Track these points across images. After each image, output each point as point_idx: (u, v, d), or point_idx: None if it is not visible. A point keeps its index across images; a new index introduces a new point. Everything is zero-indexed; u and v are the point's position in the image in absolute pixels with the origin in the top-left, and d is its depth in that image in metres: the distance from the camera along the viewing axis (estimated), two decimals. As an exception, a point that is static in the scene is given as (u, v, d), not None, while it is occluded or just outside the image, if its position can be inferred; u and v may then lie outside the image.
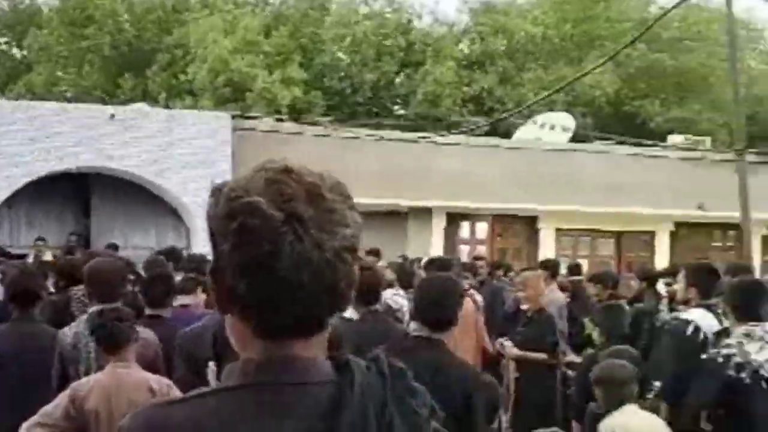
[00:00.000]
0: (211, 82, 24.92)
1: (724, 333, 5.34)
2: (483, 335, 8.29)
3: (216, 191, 1.49)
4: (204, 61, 25.25)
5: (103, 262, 5.58)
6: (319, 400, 1.40)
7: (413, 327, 4.63)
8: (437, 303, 4.20)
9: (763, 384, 4.74)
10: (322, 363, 1.46)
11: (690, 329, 5.59)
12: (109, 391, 4.21)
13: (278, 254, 1.36)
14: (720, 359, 4.86)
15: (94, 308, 4.98)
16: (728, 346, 4.90)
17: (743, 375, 4.73)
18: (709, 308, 5.72)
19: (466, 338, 7.36)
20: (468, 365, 4.63)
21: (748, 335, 4.84)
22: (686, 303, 6.14)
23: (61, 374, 5.03)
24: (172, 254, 7.85)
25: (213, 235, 1.47)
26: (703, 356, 5.14)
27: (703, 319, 5.61)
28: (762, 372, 4.74)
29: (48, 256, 10.75)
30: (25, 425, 4.15)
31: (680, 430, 5.08)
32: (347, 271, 1.43)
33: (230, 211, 1.41)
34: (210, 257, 1.56)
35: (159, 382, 4.35)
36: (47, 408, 4.20)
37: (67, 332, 4.99)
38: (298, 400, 1.41)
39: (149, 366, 4.70)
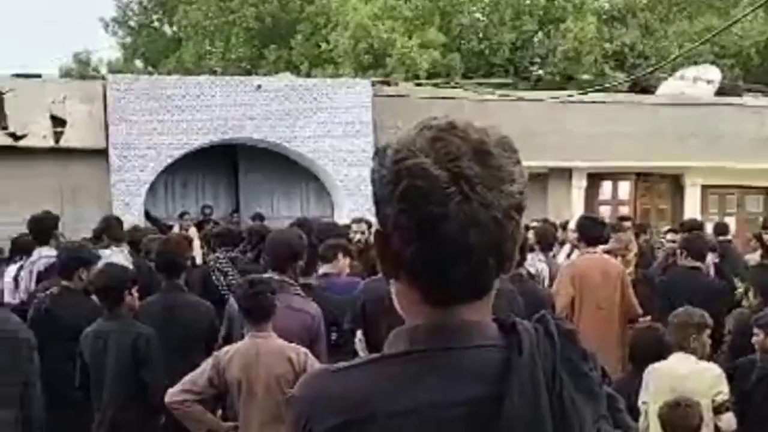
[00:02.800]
0: (352, 49, 25.22)
1: None
2: (629, 294, 8.05)
3: (380, 152, 1.44)
4: (345, 29, 25.55)
5: (281, 233, 5.80)
6: (488, 364, 1.38)
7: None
8: None
9: None
10: (489, 326, 1.44)
11: None
12: (249, 360, 4.39)
13: (445, 216, 1.33)
14: None
15: (243, 278, 5.25)
16: None
17: None
18: None
19: (615, 295, 7.38)
20: None
21: None
22: None
23: (225, 335, 5.31)
24: (303, 225, 8.14)
25: (378, 200, 1.44)
26: None
27: None
28: None
29: (192, 231, 11.22)
30: (171, 391, 4.45)
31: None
32: (514, 231, 1.40)
33: (395, 174, 1.37)
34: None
35: (297, 351, 4.48)
36: (193, 375, 4.47)
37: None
38: (467, 364, 1.39)
39: (309, 335, 4.91)
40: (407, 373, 1.39)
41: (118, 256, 7.75)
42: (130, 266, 6.63)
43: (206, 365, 4.51)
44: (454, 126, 1.40)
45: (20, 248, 8.29)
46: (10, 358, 4.63)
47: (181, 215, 15.37)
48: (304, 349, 4.55)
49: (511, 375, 1.35)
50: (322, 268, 6.54)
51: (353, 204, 16.39)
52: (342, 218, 15.70)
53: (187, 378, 4.48)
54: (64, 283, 6.15)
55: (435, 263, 1.38)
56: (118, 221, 8.86)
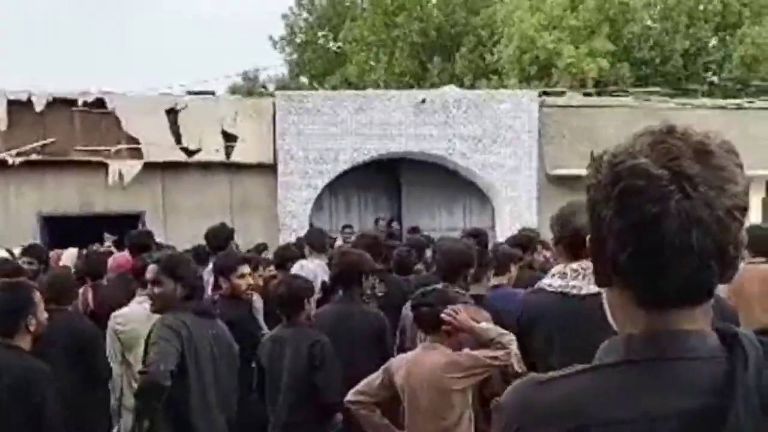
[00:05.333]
0: (518, 60, 25.02)
1: None
2: None
3: (596, 159, 1.42)
4: (510, 40, 25.41)
5: (452, 243, 5.84)
6: (710, 376, 1.33)
7: None
8: None
9: None
10: (710, 336, 1.38)
11: None
12: (411, 369, 4.49)
13: (665, 215, 1.30)
14: None
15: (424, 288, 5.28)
16: None
17: None
18: None
19: None
20: None
21: None
22: None
23: (399, 344, 5.53)
24: (477, 236, 8.00)
25: (593, 205, 1.40)
26: None
27: None
28: None
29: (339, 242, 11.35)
30: (351, 391, 4.63)
31: None
32: (737, 232, 1.34)
33: (614, 176, 1.35)
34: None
35: (449, 364, 4.43)
36: (369, 377, 4.62)
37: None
38: (688, 375, 1.34)
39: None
40: (622, 384, 1.36)
41: (315, 264, 8.01)
42: (326, 276, 6.87)
43: (382, 369, 4.64)
44: (673, 129, 1.37)
45: (198, 258, 8.54)
46: (227, 368, 4.95)
47: (344, 228, 15.53)
48: (460, 360, 4.49)
49: (736, 387, 1.29)
50: (494, 279, 6.42)
51: (516, 215, 16.12)
52: (504, 230, 15.53)
53: (364, 380, 4.65)
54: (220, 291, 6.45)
55: (653, 264, 1.33)
56: (321, 233, 9.08)
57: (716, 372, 1.32)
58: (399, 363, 4.60)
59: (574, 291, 3.92)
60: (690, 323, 1.37)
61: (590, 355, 4.12)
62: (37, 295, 4.73)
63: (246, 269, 6.51)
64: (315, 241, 8.57)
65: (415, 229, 14.75)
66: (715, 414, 1.28)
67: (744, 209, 1.34)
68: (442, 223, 17.51)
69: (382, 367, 4.64)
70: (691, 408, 1.30)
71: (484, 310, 5.34)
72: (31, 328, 4.58)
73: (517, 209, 16.49)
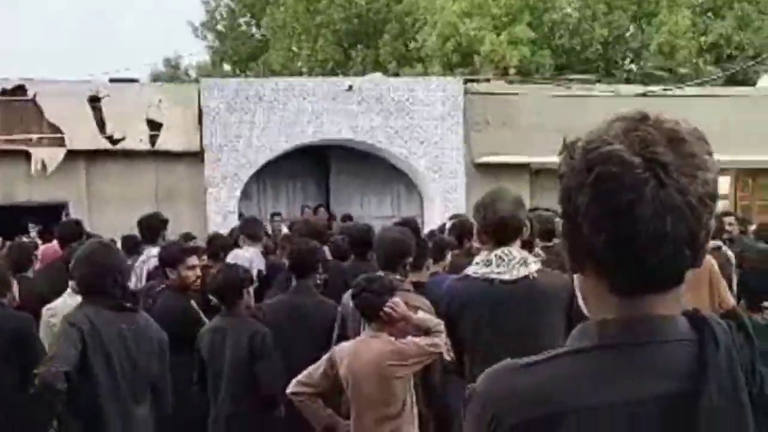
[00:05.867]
0: (440, 48, 25.16)
1: None
2: (721, 291, 7.79)
3: (569, 145, 1.42)
4: (433, 27, 25.53)
5: (389, 232, 5.77)
6: (681, 359, 1.35)
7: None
8: None
9: None
10: (680, 320, 1.40)
11: None
12: (354, 357, 4.48)
13: (639, 202, 1.31)
14: None
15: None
16: None
17: None
18: None
19: (700, 293, 7.16)
20: None
21: None
22: None
23: (339, 333, 5.42)
24: (408, 224, 8.06)
25: (567, 191, 1.40)
26: None
27: None
28: None
29: (284, 231, 11.31)
30: (293, 382, 4.60)
31: None
32: (708, 219, 1.36)
33: (588, 162, 1.35)
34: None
35: (393, 352, 4.44)
36: (310, 368, 4.59)
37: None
38: (660, 359, 1.36)
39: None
40: (599, 369, 1.36)
41: (250, 253, 7.99)
42: (262, 265, 6.81)
43: (324, 359, 4.61)
44: (646, 116, 1.38)
45: (129, 248, 8.43)
46: (148, 360, 4.72)
47: (272, 216, 15.45)
48: (405, 349, 4.49)
49: (708, 370, 1.31)
50: (432, 267, 6.49)
51: (444, 202, 16.27)
52: (433, 217, 15.64)
53: (305, 371, 4.61)
54: (167, 281, 6.32)
55: (628, 250, 1.34)
56: (256, 221, 9.07)
57: (688, 355, 1.34)
58: (341, 352, 4.57)
59: (501, 277, 3.99)
60: (663, 308, 1.39)
61: (519, 341, 4.21)
62: None
63: (194, 261, 6.45)
64: (250, 231, 8.54)
65: (348, 217, 14.78)
66: (688, 397, 1.31)
67: (714, 196, 1.36)
68: (371, 210, 17.49)
69: (324, 357, 4.62)
70: (667, 391, 1.32)
71: (424, 297, 5.41)
72: None
73: (445, 197, 16.57)
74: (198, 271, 6.39)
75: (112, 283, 4.56)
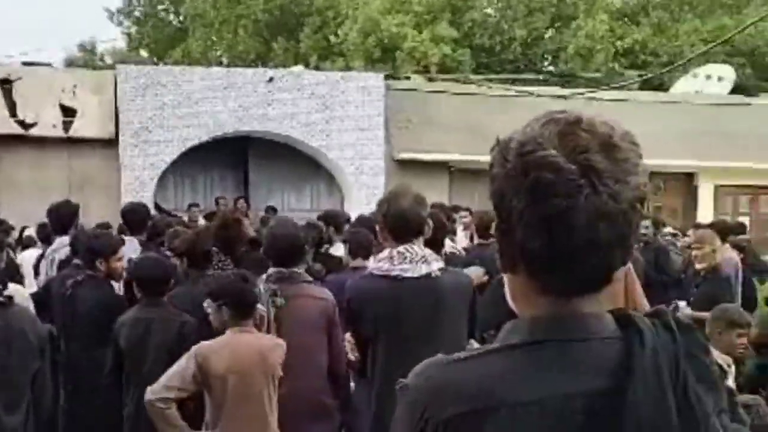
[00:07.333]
0: (362, 43, 25.14)
1: None
2: (634, 295, 7.91)
3: (501, 144, 1.41)
4: (354, 22, 25.49)
5: (281, 229, 5.35)
6: (608, 357, 1.36)
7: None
8: None
9: None
10: (608, 318, 1.41)
11: None
12: (225, 354, 4.29)
13: (574, 209, 1.31)
14: None
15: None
16: None
17: None
18: None
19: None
20: None
21: None
22: None
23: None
24: (333, 219, 8.01)
25: (501, 193, 1.40)
26: None
27: None
28: None
29: (201, 222, 11.09)
30: (150, 388, 4.28)
31: None
32: (638, 222, 1.39)
33: (523, 167, 1.35)
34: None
35: (270, 347, 4.40)
36: (176, 370, 4.30)
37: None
38: (588, 356, 1.37)
39: (327, 322, 4.76)
40: (529, 364, 1.37)
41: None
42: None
43: (188, 359, 4.32)
44: (580, 120, 1.38)
45: (44, 237, 8.16)
46: (20, 358, 4.11)
47: (190, 206, 15.22)
48: (279, 342, 4.44)
49: (633, 367, 1.33)
50: (354, 262, 6.45)
51: (364, 197, 16.25)
52: (352, 212, 15.60)
53: (168, 374, 4.33)
54: (89, 271, 6.05)
55: (561, 256, 1.35)
56: (145, 208, 8.37)
57: (617, 353, 1.36)
58: (211, 350, 4.31)
59: (403, 274, 3.97)
60: (592, 306, 1.41)
61: (422, 338, 4.19)
62: None
63: (123, 252, 6.29)
64: (129, 219, 7.95)
65: (272, 209, 14.64)
66: (615, 393, 1.32)
67: (643, 200, 1.39)
68: (290, 203, 17.44)
69: (188, 357, 4.32)
70: (595, 388, 1.34)
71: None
72: None
73: (364, 192, 16.54)
74: (125, 263, 6.22)
75: None
